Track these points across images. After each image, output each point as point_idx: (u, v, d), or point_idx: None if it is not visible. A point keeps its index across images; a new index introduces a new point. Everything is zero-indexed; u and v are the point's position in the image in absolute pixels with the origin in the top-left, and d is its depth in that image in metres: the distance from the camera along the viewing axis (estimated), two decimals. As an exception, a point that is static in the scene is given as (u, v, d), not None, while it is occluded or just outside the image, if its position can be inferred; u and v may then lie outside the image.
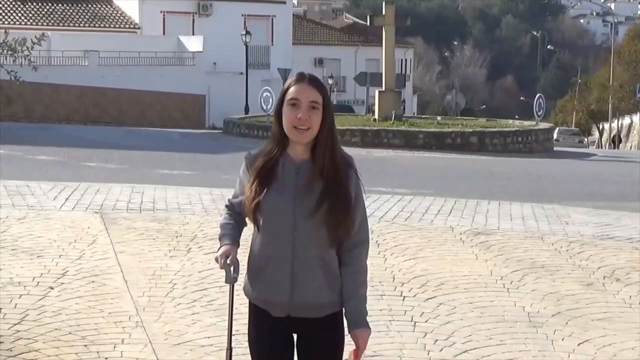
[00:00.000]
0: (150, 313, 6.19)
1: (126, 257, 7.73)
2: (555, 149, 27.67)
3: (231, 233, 3.38)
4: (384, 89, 27.11)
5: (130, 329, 5.83)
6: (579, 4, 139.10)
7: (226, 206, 3.50)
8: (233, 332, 3.46)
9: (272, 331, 3.33)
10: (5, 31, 26.22)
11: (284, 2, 49.11)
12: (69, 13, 45.93)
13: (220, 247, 3.35)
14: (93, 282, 6.93)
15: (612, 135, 54.11)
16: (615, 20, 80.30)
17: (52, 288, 6.70)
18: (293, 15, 53.58)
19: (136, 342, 5.60)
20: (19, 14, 44.61)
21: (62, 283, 6.85)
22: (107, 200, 10.60)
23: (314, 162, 3.26)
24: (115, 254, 7.84)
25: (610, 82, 52.09)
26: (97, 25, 45.57)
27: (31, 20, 44.21)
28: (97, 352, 5.38)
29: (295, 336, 3.38)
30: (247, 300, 3.41)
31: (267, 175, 3.27)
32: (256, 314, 3.36)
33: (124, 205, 10.29)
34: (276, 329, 3.32)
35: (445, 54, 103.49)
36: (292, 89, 3.27)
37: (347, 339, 3.46)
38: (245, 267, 3.38)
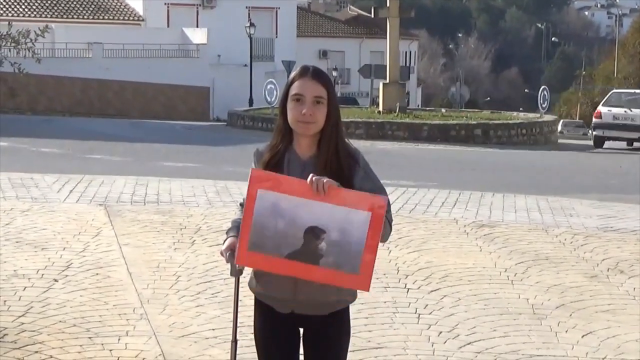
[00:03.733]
0: (154, 305, 6.20)
1: (130, 250, 7.74)
2: (559, 141, 27.64)
3: (238, 227, 3.34)
4: (388, 81, 27.07)
5: (135, 321, 5.84)
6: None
7: (240, 204, 3.48)
8: (238, 325, 3.46)
9: (277, 326, 3.33)
10: (9, 23, 26.28)
11: (288, -6, 49.08)
12: (72, 5, 45.91)
13: (226, 240, 3.34)
14: (97, 274, 6.94)
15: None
16: (620, 12, 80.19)
17: (56, 280, 6.71)
18: (297, 7, 53.52)
19: (140, 334, 5.61)
20: (23, 6, 44.60)
21: (66, 275, 6.86)
22: (112, 192, 10.61)
23: (319, 158, 3.25)
24: (120, 246, 7.86)
25: (615, 74, 52.01)
26: (101, 17, 45.56)
27: (35, 12, 44.19)
28: (102, 344, 5.39)
29: (301, 330, 3.38)
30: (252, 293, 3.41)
31: (272, 171, 3.26)
32: (261, 308, 3.36)
33: (128, 198, 10.30)
34: (281, 323, 3.32)
35: (450, 46, 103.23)
36: (296, 84, 3.25)
37: (353, 330, 3.47)
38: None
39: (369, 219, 3.08)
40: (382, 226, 3.11)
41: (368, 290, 3.18)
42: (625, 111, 24.80)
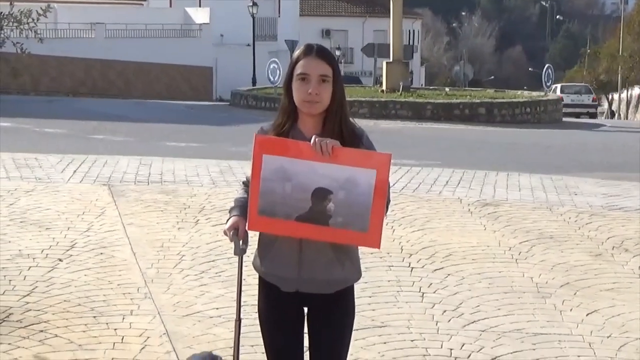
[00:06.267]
0: (158, 284, 6.21)
1: (134, 229, 7.74)
2: (563, 119, 27.60)
3: (241, 206, 3.34)
4: (391, 60, 26.99)
5: (139, 301, 5.85)
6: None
7: (243, 182, 3.47)
8: (242, 304, 3.46)
9: (282, 305, 3.32)
10: (11, 3, 26.17)
11: (291, -27, 48.81)
12: (75, -15, 45.71)
13: (229, 219, 3.33)
14: (101, 254, 6.95)
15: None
16: (625, -11, 79.60)
17: (60, 260, 6.72)
18: (300, -14, 53.27)
19: (145, 313, 5.62)
20: (25, -14, 44.41)
21: (71, 255, 6.87)
22: (115, 172, 10.61)
23: (323, 136, 3.23)
24: (124, 226, 7.86)
25: (620, 53, 51.75)
26: (103, -3, 45.37)
27: (37, -8, 44.02)
28: (106, 323, 5.40)
29: (305, 309, 3.37)
30: (257, 273, 3.40)
31: None
32: (265, 288, 3.36)
33: (132, 178, 10.30)
34: (286, 302, 3.31)
35: (453, 24, 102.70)
36: (300, 63, 3.21)
37: (357, 309, 3.46)
38: (253, 238, 3.37)
39: (374, 176, 3.09)
40: (387, 182, 3.12)
41: (379, 248, 3.19)
42: (578, 96, 41.03)
